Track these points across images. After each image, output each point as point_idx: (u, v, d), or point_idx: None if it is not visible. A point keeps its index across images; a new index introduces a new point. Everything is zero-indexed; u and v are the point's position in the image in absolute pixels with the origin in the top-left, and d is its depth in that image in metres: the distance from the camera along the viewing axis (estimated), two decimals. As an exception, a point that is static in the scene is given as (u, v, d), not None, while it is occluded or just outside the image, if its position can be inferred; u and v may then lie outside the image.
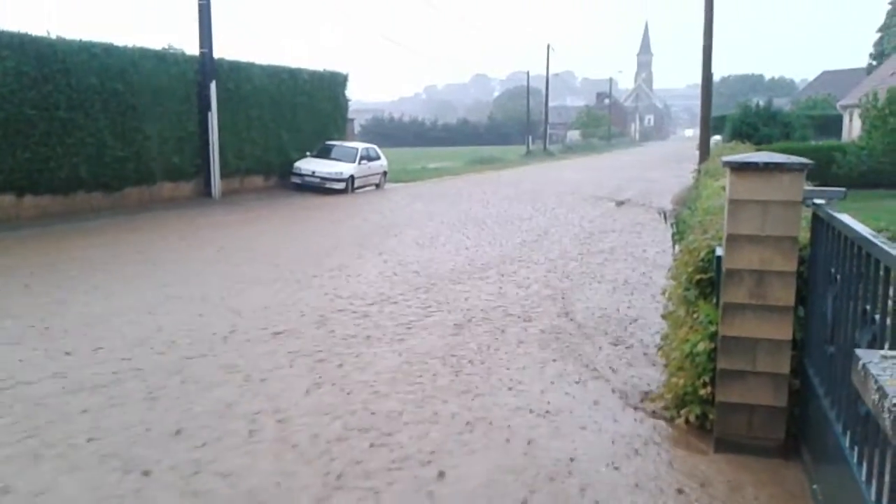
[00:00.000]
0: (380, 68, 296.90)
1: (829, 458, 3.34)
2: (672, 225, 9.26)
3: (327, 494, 3.78)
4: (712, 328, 4.29)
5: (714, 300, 4.35)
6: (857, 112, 26.14)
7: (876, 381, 1.33)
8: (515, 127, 77.59)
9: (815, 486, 3.65)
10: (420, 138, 76.85)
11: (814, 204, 3.91)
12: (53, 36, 14.67)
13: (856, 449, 2.82)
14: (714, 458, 4.18)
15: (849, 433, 2.96)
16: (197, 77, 18.23)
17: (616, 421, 4.79)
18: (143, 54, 16.71)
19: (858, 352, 1.51)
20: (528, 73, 58.89)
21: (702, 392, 4.36)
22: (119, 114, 15.90)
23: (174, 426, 4.58)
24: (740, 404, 4.13)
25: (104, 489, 3.79)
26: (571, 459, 4.20)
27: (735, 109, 27.48)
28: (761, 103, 26.78)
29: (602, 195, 21.44)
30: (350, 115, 27.37)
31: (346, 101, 25.93)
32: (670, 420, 4.66)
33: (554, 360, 6.07)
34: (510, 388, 5.40)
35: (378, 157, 24.09)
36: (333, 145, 22.88)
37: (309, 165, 21.60)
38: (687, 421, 4.48)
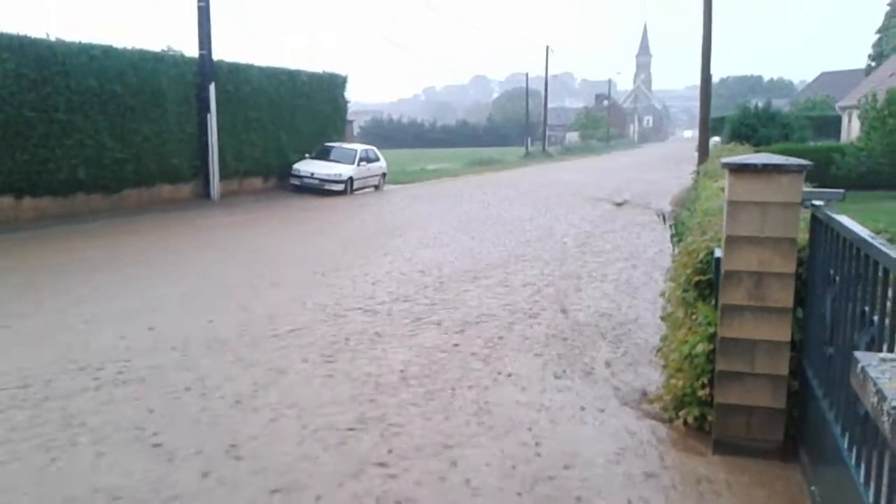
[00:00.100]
0: (379, 70, 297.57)
1: (827, 460, 3.34)
2: (671, 226, 9.28)
3: (349, 476, 3.95)
4: (711, 329, 4.29)
5: (713, 301, 4.35)
6: (855, 113, 26.17)
7: (875, 384, 1.33)
8: (514, 128, 77.61)
9: (813, 488, 3.65)
10: (419, 140, 76.91)
11: (813, 205, 3.90)
12: (53, 38, 14.65)
13: (854, 451, 2.82)
14: (712, 459, 4.18)
15: (847, 435, 2.96)
16: (196, 79, 18.22)
17: (615, 421, 4.79)
18: (142, 56, 16.68)
19: (857, 354, 1.51)
20: (527, 74, 58.97)
21: (700, 393, 4.36)
22: (118, 116, 15.88)
23: (197, 415, 4.76)
24: (739, 406, 4.12)
25: (137, 475, 3.95)
26: (571, 457, 4.23)
27: (734, 111, 27.51)
28: (760, 104, 26.81)
29: (601, 196, 21.44)
30: (349, 117, 27.38)
31: (345, 102, 25.92)
32: (669, 421, 4.65)
33: (555, 359, 6.12)
34: (515, 385, 5.49)
35: (377, 159, 24.08)
36: (332, 147, 22.87)
37: (308, 167, 21.59)
38: (685, 422, 4.47)
